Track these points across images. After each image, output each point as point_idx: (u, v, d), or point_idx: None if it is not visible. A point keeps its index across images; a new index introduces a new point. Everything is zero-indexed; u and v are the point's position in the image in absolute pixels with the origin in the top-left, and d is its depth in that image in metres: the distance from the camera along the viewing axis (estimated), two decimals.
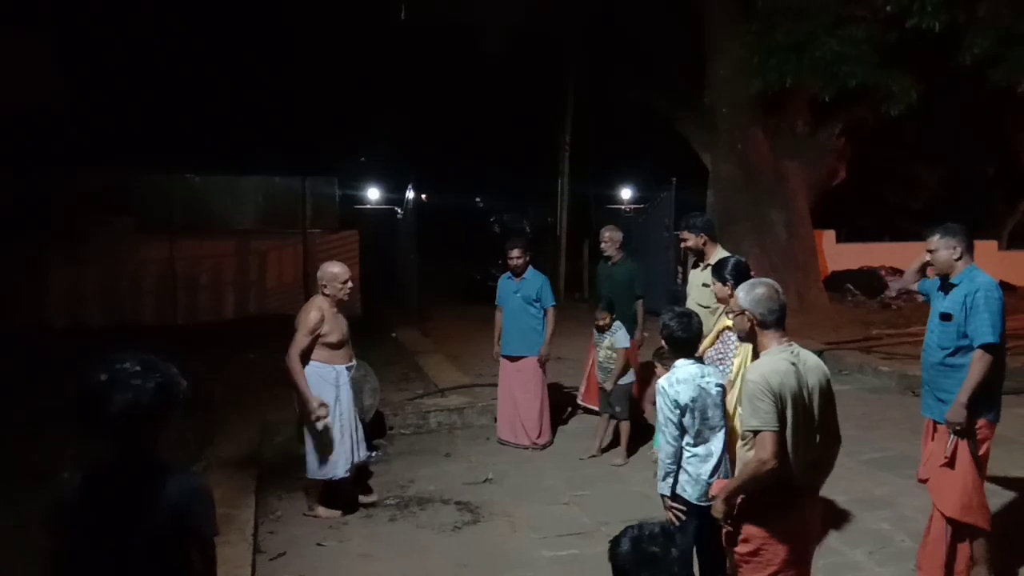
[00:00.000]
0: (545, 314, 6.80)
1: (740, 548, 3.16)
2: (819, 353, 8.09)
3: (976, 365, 3.90)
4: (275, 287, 13.08)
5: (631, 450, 6.45)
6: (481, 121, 19.02)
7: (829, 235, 15.53)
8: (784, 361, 3.06)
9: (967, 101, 13.93)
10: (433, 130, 19.56)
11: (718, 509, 3.21)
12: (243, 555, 4.52)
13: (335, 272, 5.24)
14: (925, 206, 18.08)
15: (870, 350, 9.71)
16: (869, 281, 14.48)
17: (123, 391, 2.09)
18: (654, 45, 13.11)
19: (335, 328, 5.20)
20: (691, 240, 5.60)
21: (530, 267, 6.84)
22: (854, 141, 13.81)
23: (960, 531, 4.04)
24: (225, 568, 4.33)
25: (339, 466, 5.27)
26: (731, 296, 4.25)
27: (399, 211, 14.41)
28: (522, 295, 6.76)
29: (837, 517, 5.20)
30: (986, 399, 3.98)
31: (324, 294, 5.22)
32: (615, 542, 1.94)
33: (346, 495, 5.50)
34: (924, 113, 11.80)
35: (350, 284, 5.31)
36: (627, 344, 6.43)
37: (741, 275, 4.36)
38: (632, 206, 15.86)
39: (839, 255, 15.34)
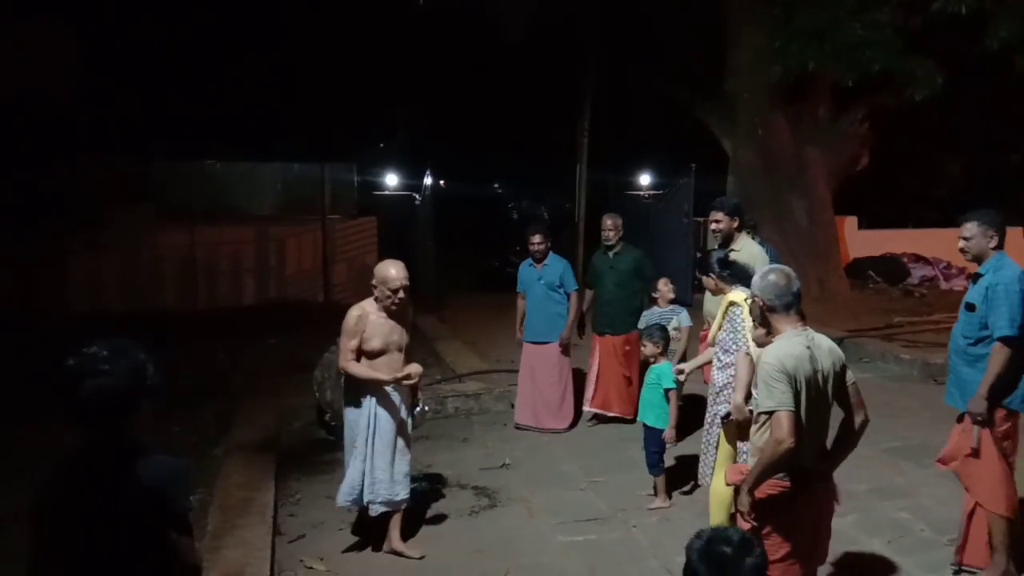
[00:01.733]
0: (568, 298, 6.80)
1: (755, 529, 3.15)
2: (840, 341, 8.03)
3: (995, 358, 3.97)
4: (294, 273, 13.15)
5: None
6: (499, 107, 18.96)
7: (851, 221, 15.37)
8: (799, 345, 3.08)
9: (991, 88, 13.69)
10: (451, 116, 19.53)
11: (743, 502, 3.14)
12: (263, 537, 4.58)
13: (385, 275, 4.44)
14: (946, 194, 17.81)
15: (892, 338, 9.62)
16: (891, 268, 14.34)
17: (92, 376, 2.14)
18: (672, 31, 12.99)
19: (377, 334, 4.47)
20: (724, 222, 5.52)
21: (550, 253, 6.84)
22: (876, 128, 13.64)
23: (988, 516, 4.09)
24: (246, 550, 4.40)
25: (342, 492, 4.60)
26: (716, 287, 4.71)
27: (417, 197, 14.40)
28: (545, 281, 6.76)
29: (856, 506, 5.16)
30: (1008, 389, 4.02)
31: (375, 297, 4.52)
32: (691, 543, 1.96)
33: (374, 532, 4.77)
34: (947, 100, 11.62)
35: (401, 294, 4.43)
36: (690, 323, 6.40)
37: (724, 268, 4.64)
38: (650, 192, 15.72)
39: (861, 242, 15.18)
